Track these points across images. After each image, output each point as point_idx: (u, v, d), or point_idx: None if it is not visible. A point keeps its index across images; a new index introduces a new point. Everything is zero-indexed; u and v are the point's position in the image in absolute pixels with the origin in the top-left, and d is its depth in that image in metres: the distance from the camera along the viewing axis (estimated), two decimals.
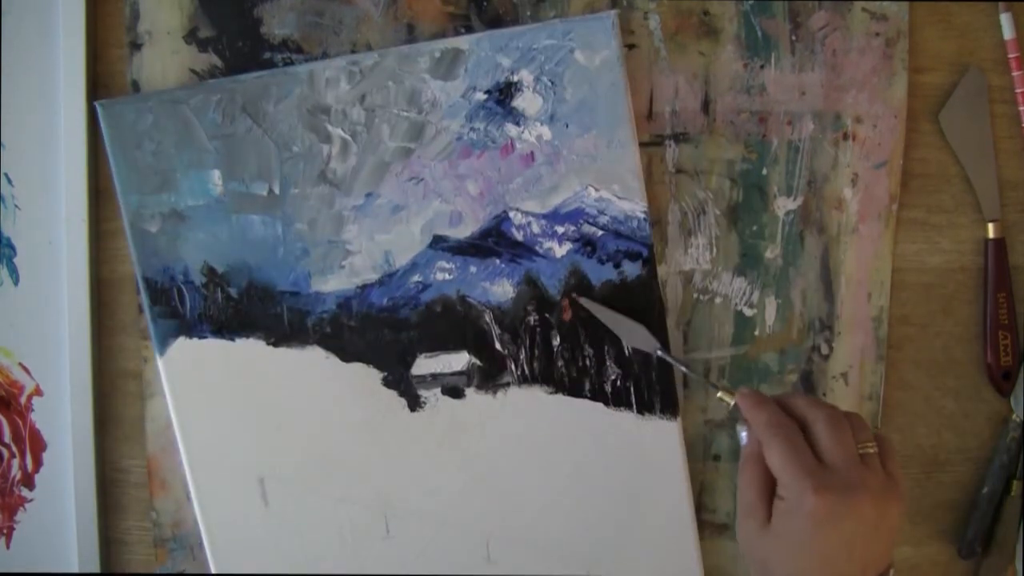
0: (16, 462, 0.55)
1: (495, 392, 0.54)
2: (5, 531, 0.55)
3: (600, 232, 0.53)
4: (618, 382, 0.53)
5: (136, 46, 0.53)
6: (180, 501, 0.55)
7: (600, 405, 0.54)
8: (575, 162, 0.52)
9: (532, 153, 0.52)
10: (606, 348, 0.53)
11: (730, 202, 0.55)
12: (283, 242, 0.53)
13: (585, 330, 0.53)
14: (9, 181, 0.53)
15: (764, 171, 0.55)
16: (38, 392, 0.54)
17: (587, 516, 0.54)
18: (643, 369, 0.53)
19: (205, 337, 0.53)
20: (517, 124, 0.52)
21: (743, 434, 0.46)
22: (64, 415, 0.54)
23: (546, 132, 0.52)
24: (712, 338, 0.55)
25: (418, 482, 0.54)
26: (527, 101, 0.52)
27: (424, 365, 0.53)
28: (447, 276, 0.53)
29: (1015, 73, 0.55)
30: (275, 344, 0.53)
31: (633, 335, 0.52)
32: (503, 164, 0.52)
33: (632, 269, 0.53)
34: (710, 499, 0.57)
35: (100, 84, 0.54)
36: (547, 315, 0.53)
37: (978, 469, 0.59)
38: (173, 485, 0.55)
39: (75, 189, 0.53)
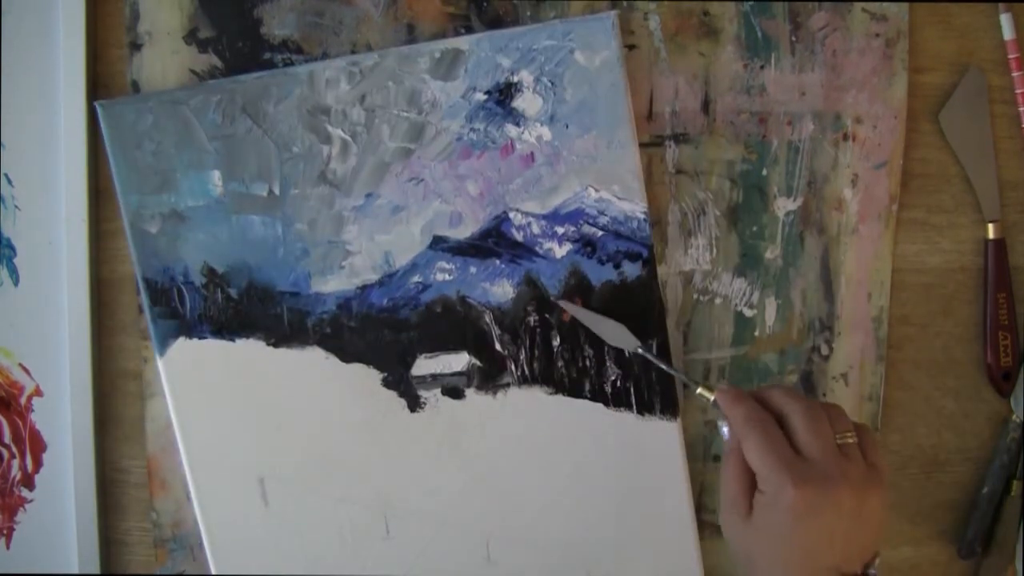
0: (16, 462, 0.55)
1: (495, 393, 0.54)
2: (5, 531, 0.55)
3: (600, 233, 0.53)
4: (618, 383, 0.53)
5: (136, 46, 0.53)
6: (180, 501, 0.55)
7: (600, 406, 0.54)
8: (575, 163, 0.52)
9: (532, 154, 0.52)
10: (606, 349, 0.53)
11: (730, 203, 0.55)
12: (283, 242, 0.53)
13: (585, 330, 0.53)
14: (9, 181, 0.53)
15: (764, 171, 0.55)
16: (38, 392, 0.54)
17: (587, 516, 0.54)
18: (643, 370, 0.53)
19: (205, 337, 0.53)
20: (517, 125, 0.52)
21: (724, 429, 0.46)
22: (64, 415, 0.54)
23: (546, 133, 0.52)
24: (712, 339, 0.55)
25: (418, 482, 0.54)
26: (527, 102, 0.52)
27: (424, 366, 0.53)
28: (447, 277, 0.53)
29: (1015, 73, 0.55)
30: (275, 344, 0.53)
31: (613, 334, 0.52)
32: (503, 165, 0.52)
33: (632, 270, 0.53)
34: (710, 499, 0.57)
35: (100, 84, 0.54)
36: (547, 316, 0.53)
37: (978, 469, 0.59)
38: (173, 485, 0.55)
39: (75, 189, 0.53)
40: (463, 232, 0.53)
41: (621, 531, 0.55)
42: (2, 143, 0.53)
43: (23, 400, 0.54)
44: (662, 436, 0.54)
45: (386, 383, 0.53)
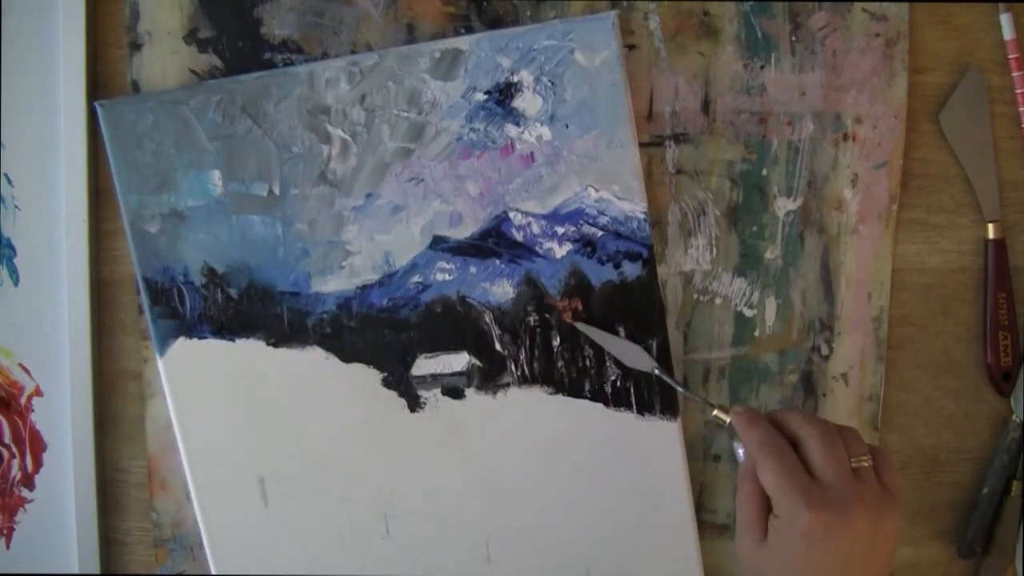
0: (16, 462, 0.55)
1: (495, 392, 0.54)
2: (5, 531, 0.55)
3: (600, 232, 0.53)
4: (618, 382, 0.53)
5: (136, 46, 0.53)
6: (180, 501, 0.55)
7: (600, 406, 0.54)
8: (575, 162, 0.52)
9: (532, 153, 0.52)
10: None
11: (730, 203, 0.55)
12: (283, 242, 0.53)
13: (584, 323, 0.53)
14: (9, 181, 0.53)
15: (764, 172, 0.55)
16: (38, 392, 0.54)
17: (587, 516, 0.54)
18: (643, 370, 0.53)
19: (205, 337, 0.53)
20: (517, 124, 0.52)
21: (740, 451, 0.47)
22: (64, 415, 0.54)
23: (546, 132, 0.52)
24: (712, 339, 0.55)
25: (418, 482, 0.54)
26: (527, 102, 0.52)
27: (424, 366, 0.53)
28: (447, 277, 0.53)
29: (1015, 73, 0.55)
30: (275, 344, 0.53)
31: (630, 355, 0.52)
32: (503, 164, 0.52)
33: (632, 270, 0.53)
34: (710, 499, 0.57)
35: (100, 84, 0.54)
36: (547, 316, 0.53)
37: (978, 469, 0.59)
38: (173, 485, 0.55)
39: (75, 189, 0.53)
40: (463, 232, 0.53)
41: (621, 531, 0.55)
42: (2, 143, 0.53)
43: (23, 400, 0.54)
44: (662, 436, 0.54)
45: (386, 383, 0.53)
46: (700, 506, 0.56)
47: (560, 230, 0.53)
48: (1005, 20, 0.55)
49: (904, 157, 0.55)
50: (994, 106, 0.56)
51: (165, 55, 0.53)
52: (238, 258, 0.52)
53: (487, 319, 0.53)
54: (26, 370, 0.54)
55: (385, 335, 0.53)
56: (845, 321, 0.56)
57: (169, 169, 0.52)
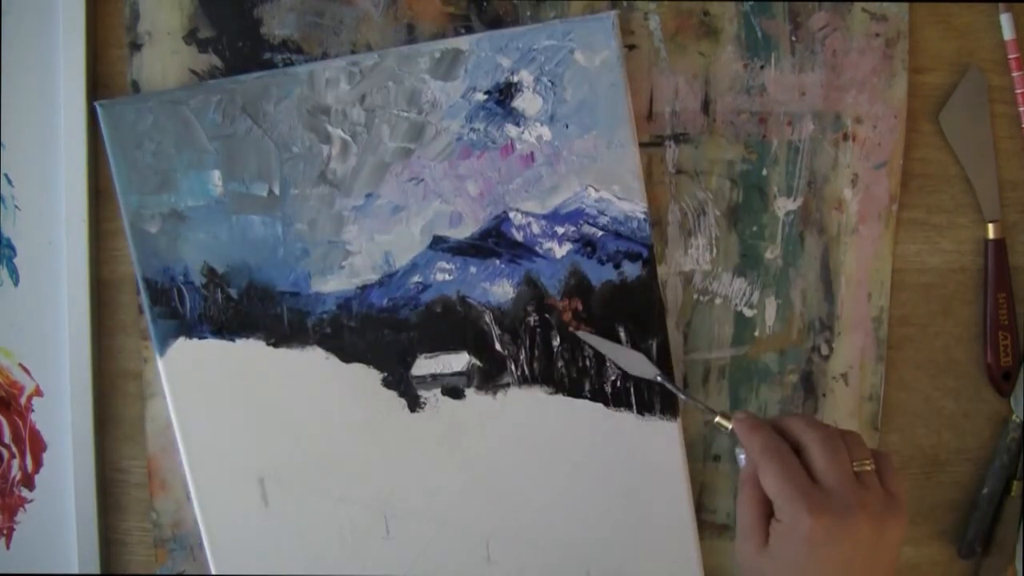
0: (16, 462, 0.55)
1: (495, 392, 0.54)
2: (5, 531, 0.55)
3: (600, 232, 0.53)
4: (618, 382, 0.53)
5: (136, 46, 0.53)
6: (180, 501, 0.55)
7: (600, 406, 0.54)
8: (575, 162, 0.52)
9: (532, 153, 0.52)
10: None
11: (730, 203, 0.55)
12: (283, 242, 0.53)
13: (585, 331, 0.53)
14: (9, 181, 0.53)
15: (764, 171, 0.55)
16: (38, 392, 0.54)
17: (587, 516, 0.54)
18: None
19: (205, 337, 0.53)
20: (517, 124, 0.52)
21: (741, 457, 0.47)
22: (64, 415, 0.54)
23: (546, 132, 0.52)
24: (712, 339, 0.55)
25: (418, 482, 0.54)
26: (527, 102, 0.52)
27: (424, 366, 0.53)
28: (447, 277, 0.53)
29: (1015, 73, 0.55)
30: (275, 344, 0.53)
31: (632, 362, 0.52)
32: (503, 164, 0.52)
33: (632, 270, 0.53)
34: (710, 499, 0.57)
35: (100, 84, 0.54)
36: (547, 316, 0.53)
37: (978, 469, 0.59)
38: (173, 485, 0.55)
39: (75, 189, 0.53)
40: (463, 232, 0.53)
41: (621, 531, 0.55)
42: (2, 143, 0.53)
43: (23, 400, 0.54)
44: (662, 436, 0.54)
45: (386, 383, 0.53)
46: (700, 506, 0.56)
47: (560, 230, 0.53)
48: (1005, 20, 0.55)
49: (904, 157, 0.55)
50: (994, 106, 0.56)
51: (165, 55, 0.53)
52: (238, 258, 0.52)
53: (487, 319, 0.53)
54: (26, 370, 0.54)
55: (385, 335, 0.53)
56: (845, 321, 0.56)
57: (169, 169, 0.52)
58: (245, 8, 0.53)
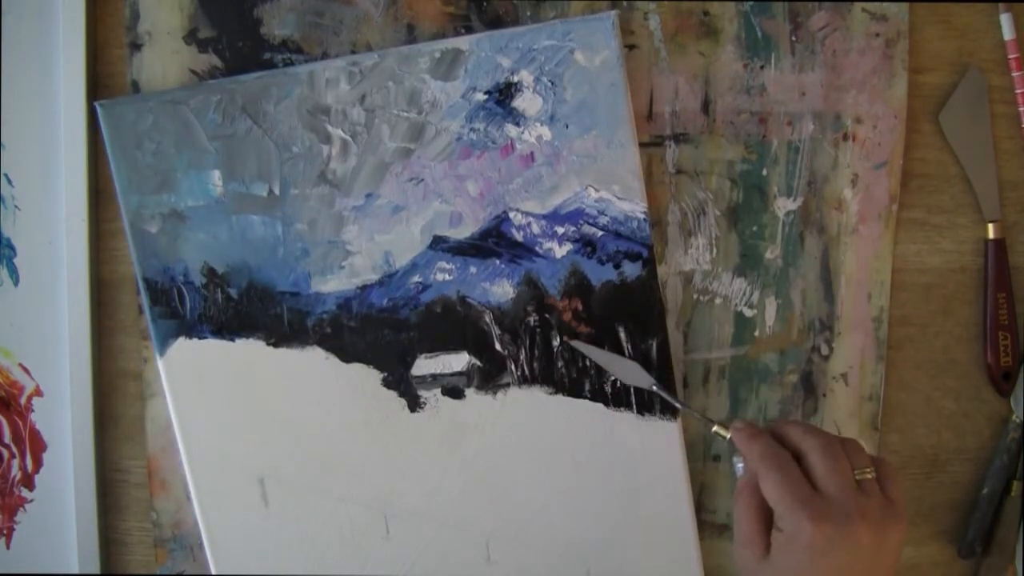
0: (16, 462, 0.55)
1: (495, 392, 0.54)
2: (5, 531, 0.55)
3: (600, 233, 0.53)
4: (618, 383, 0.53)
5: (136, 46, 0.53)
6: (180, 501, 0.55)
7: (600, 406, 0.54)
8: (575, 162, 0.52)
9: (532, 153, 0.52)
10: (606, 349, 0.53)
11: (730, 202, 0.55)
12: (283, 242, 0.53)
13: (585, 331, 0.53)
14: (9, 181, 0.53)
15: (764, 171, 0.55)
16: (38, 392, 0.54)
17: (587, 516, 0.54)
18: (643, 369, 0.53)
19: (205, 337, 0.53)
20: (517, 124, 0.52)
21: (739, 465, 0.47)
22: (64, 415, 0.54)
23: (546, 132, 0.52)
24: (712, 339, 0.55)
25: (418, 482, 0.54)
26: (527, 101, 0.52)
27: (424, 366, 0.53)
28: (447, 277, 0.53)
29: (1015, 73, 0.55)
30: (275, 344, 0.53)
31: (628, 372, 0.52)
32: (503, 164, 0.52)
33: (632, 270, 0.53)
34: (710, 499, 0.57)
35: (100, 84, 0.54)
36: (547, 316, 0.53)
37: (978, 469, 0.59)
38: (173, 485, 0.55)
39: (75, 189, 0.53)
40: (463, 232, 0.53)
41: (621, 531, 0.55)
42: (2, 143, 0.53)
43: (23, 400, 0.54)
44: (662, 436, 0.54)
45: (386, 383, 0.53)
46: (700, 506, 0.56)
47: (560, 230, 0.53)
48: (1005, 20, 0.55)
49: (904, 157, 0.55)
50: (994, 106, 0.56)
51: (165, 55, 0.53)
52: (238, 258, 0.52)
53: (487, 319, 0.53)
54: (26, 370, 0.54)
55: (385, 335, 0.53)
56: (845, 321, 0.56)
57: (169, 169, 0.52)
58: (245, 8, 0.53)
